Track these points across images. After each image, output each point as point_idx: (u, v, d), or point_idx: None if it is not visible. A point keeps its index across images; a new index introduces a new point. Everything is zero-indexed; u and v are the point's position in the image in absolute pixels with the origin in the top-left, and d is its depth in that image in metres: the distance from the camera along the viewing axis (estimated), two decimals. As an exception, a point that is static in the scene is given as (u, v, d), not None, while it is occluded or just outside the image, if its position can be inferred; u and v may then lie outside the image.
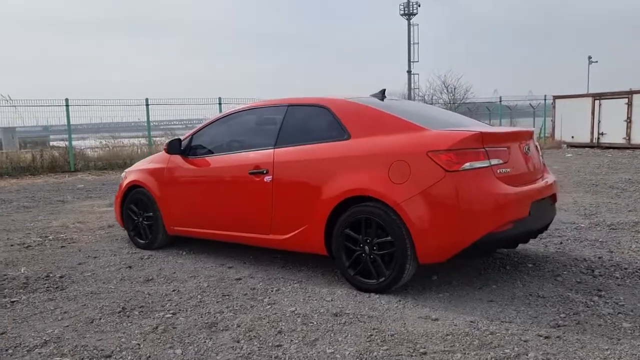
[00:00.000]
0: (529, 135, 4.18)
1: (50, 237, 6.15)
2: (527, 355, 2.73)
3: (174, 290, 4.00)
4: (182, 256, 5.04)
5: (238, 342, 3.03)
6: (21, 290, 4.10)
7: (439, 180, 3.47)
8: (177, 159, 5.06)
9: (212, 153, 4.85)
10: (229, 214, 4.64)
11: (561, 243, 5.03)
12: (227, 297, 3.82)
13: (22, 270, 4.71)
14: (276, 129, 4.41)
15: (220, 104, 17.72)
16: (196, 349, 2.95)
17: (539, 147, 4.35)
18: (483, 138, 3.59)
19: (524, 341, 2.89)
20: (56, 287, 4.19)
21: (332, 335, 3.07)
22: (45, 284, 4.28)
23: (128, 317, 3.49)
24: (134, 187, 5.47)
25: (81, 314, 3.56)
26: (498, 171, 3.61)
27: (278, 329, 3.18)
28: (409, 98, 38.31)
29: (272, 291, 3.91)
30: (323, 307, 3.51)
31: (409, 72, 43.10)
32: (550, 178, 4.27)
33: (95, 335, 3.20)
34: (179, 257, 5.02)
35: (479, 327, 3.10)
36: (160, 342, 3.06)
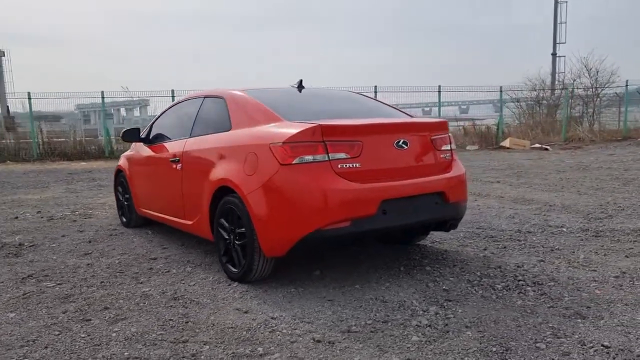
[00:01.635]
0: (409, 127, 3.86)
1: (77, 213, 7.09)
2: (272, 355, 2.67)
3: (88, 264, 4.48)
4: (143, 235, 5.53)
5: (64, 312, 3.37)
6: (-16, 254, 4.90)
7: (274, 174, 3.44)
8: (140, 146, 5.53)
9: (161, 140, 5.23)
10: (161, 198, 5.01)
11: (504, 247, 4.53)
12: (118, 273, 4.18)
13: (16, 238, 5.59)
14: (193, 120, 4.64)
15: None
16: (25, 315, 3.35)
17: (436, 140, 3.95)
18: (323, 131, 3.43)
19: (292, 342, 2.81)
20: (14, 254, 4.92)
21: (140, 315, 3.27)
22: (10, 250, 5.05)
23: (23, 284, 4.02)
24: (119, 170, 6.09)
25: (-5, 277, 4.19)
26: (339, 166, 3.44)
27: (107, 306, 3.45)
28: (552, 83, 35.00)
29: (161, 272, 4.18)
30: (174, 290, 3.70)
31: (554, 54, 39.28)
32: (447, 174, 3.90)
33: (-20, 295, 3.78)
34: (140, 236, 5.51)
35: (270, 324, 3.05)
36: (10, 306, 3.52)
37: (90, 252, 4.90)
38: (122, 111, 40.65)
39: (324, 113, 4.00)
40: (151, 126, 5.50)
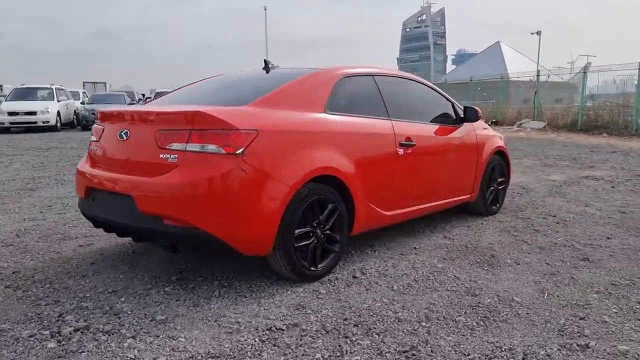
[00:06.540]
0: (132, 117, 3.60)
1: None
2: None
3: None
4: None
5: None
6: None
7: None
8: None
9: None
10: None
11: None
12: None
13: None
14: None
15: None
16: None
17: (163, 136, 3.30)
18: (100, 115, 3.91)
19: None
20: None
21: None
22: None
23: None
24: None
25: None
26: (91, 148, 3.95)
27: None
28: None
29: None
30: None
31: None
32: (149, 178, 3.31)
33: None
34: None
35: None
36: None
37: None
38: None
39: (198, 100, 3.96)
40: None
